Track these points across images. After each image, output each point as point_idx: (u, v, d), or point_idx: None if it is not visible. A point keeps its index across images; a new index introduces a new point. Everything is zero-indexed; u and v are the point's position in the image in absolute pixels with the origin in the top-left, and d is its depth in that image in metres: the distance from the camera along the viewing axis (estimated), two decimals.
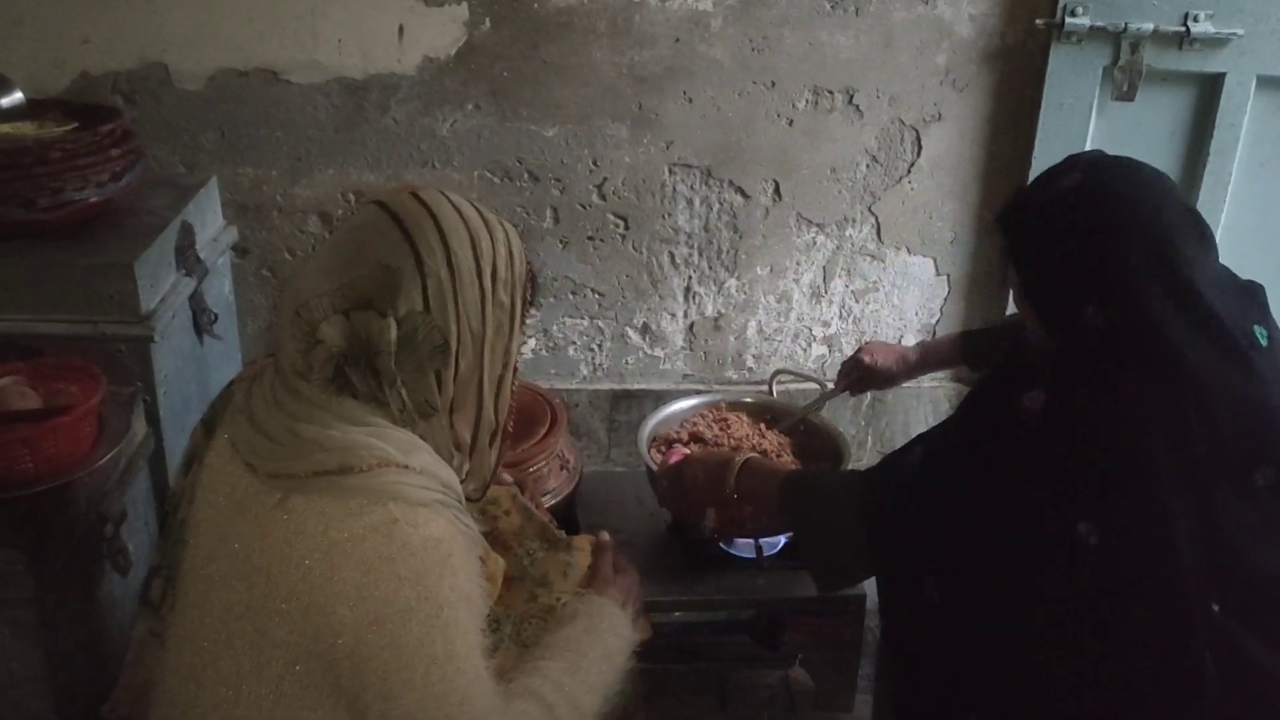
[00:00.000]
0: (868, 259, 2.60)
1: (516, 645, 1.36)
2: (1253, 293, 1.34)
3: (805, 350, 2.70)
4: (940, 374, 2.37)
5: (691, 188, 2.48)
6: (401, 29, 2.27)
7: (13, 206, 1.74)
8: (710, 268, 2.57)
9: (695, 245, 2.54)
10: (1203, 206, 2.38)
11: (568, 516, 1.97)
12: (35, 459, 1.47)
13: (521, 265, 1.25)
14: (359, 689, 1.08)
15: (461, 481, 1.25)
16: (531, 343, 2.60)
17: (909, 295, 2.65)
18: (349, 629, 1.06)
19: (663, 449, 2.03)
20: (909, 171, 2.51)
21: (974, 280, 2.65)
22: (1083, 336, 1.25)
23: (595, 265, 2.53)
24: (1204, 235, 1.28)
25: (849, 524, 1.42)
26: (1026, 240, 1.33)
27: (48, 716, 1.52)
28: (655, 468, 1.88)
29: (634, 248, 2.52)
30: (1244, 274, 1.35)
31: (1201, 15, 2.30)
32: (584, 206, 2.47)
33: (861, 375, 2.06)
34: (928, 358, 2.04)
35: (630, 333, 2.62)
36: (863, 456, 2.76)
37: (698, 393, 2.24)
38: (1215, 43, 2.32)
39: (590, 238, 2.50)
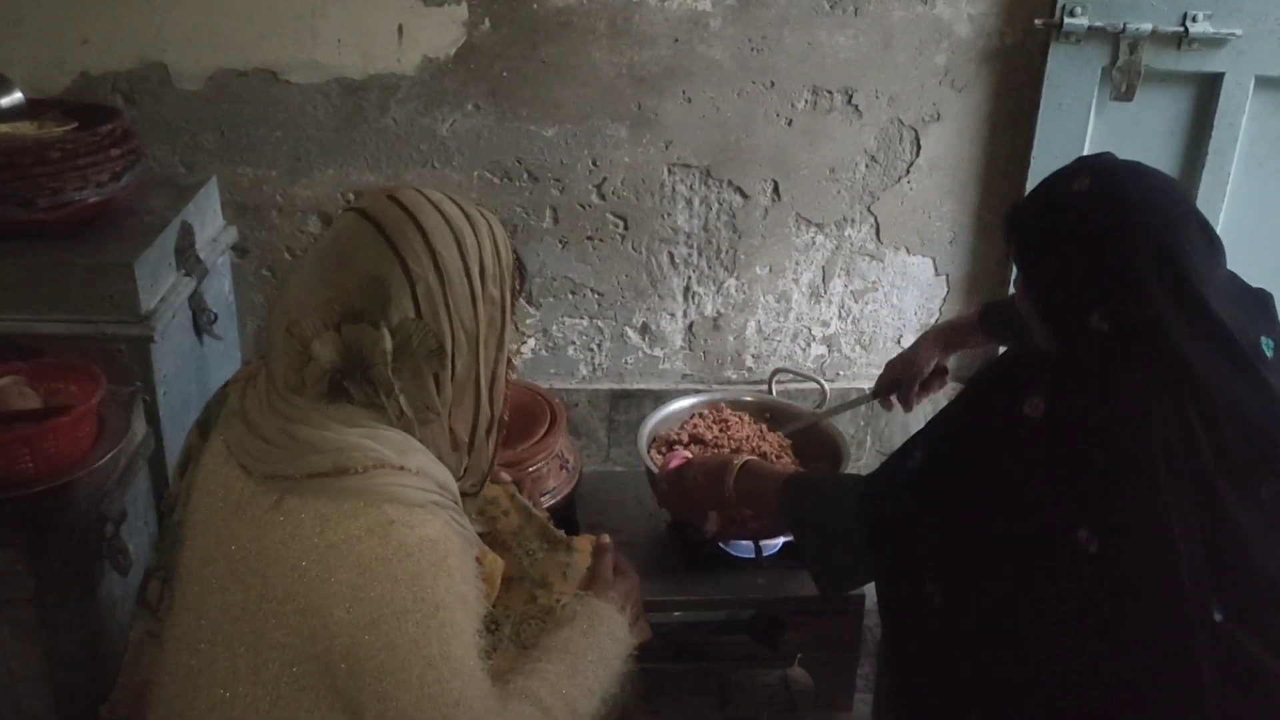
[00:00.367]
0: (867, 259, 2.60)
1: (515, 646, 1.36)
2: (1262, 301, 1.33)
3: (804, 350, 2.70)
4: None
5: (691, 188, 2.48)
6: (401, 29, 2.28)
7: (12, 206, 1.74)
8: (709, 268, 2.57)
9: (694, 245, 2.54)
10: (1201, 206, 2.37)
11: (567, 516, 1.97)
12: (35, 459, 1.47)
13: (507, 255, 1.24)
14: (355, 690, 1.08)
15: (460, 478, 1.26)
16: (531, 342, 2.60)
17: (908, 295, 2.66)
18: (345, 630, 1.06)
19: (663, 450, 2.03)
20: (908, 171, 2.52)
21: (973, 280, 2.65)
22: (1086, 342, 1.24)
23: (595, 265, 2.53)
24: (1213, 243, 1.27)
25: (850, 526, 1.41)
26: (1033, 243, 1.33)
27: (47, 716, 1.52)
28: (655, 469, 1.88)
29: (633, 248, 2.52)
30: (1242, 273, 1.35)
31: (1200, 15, 2.30)
32: (583, 206, 2.47)
33: (897, 380, 2.02)
34: (951, 339, 1.98)
35: (630, 332, 2.62)
36: (862, 456, 2.76)
37: (697, 392, 2.24)
38: (1213, 43, 2.32)
39: (590, 238, 2.50)
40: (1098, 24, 2.31)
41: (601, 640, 1.32)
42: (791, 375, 2.42)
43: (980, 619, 1.30)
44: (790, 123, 2.44)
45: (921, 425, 1.49)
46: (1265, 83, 2.37)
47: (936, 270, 2.63)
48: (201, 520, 1.17)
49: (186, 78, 2.27)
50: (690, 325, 2.63)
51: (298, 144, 2.35)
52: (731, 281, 2.59)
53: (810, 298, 2.63)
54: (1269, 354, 1.27)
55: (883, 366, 2.71)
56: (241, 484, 1.13)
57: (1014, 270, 1.37)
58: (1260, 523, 1.22)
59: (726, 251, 2.55)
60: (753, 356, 2.69)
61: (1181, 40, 2.31)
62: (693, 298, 2.60)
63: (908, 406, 2.06)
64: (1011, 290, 2.56)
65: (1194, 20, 2.30)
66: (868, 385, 2.66)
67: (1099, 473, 1.21)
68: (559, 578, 1.45)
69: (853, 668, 1.97)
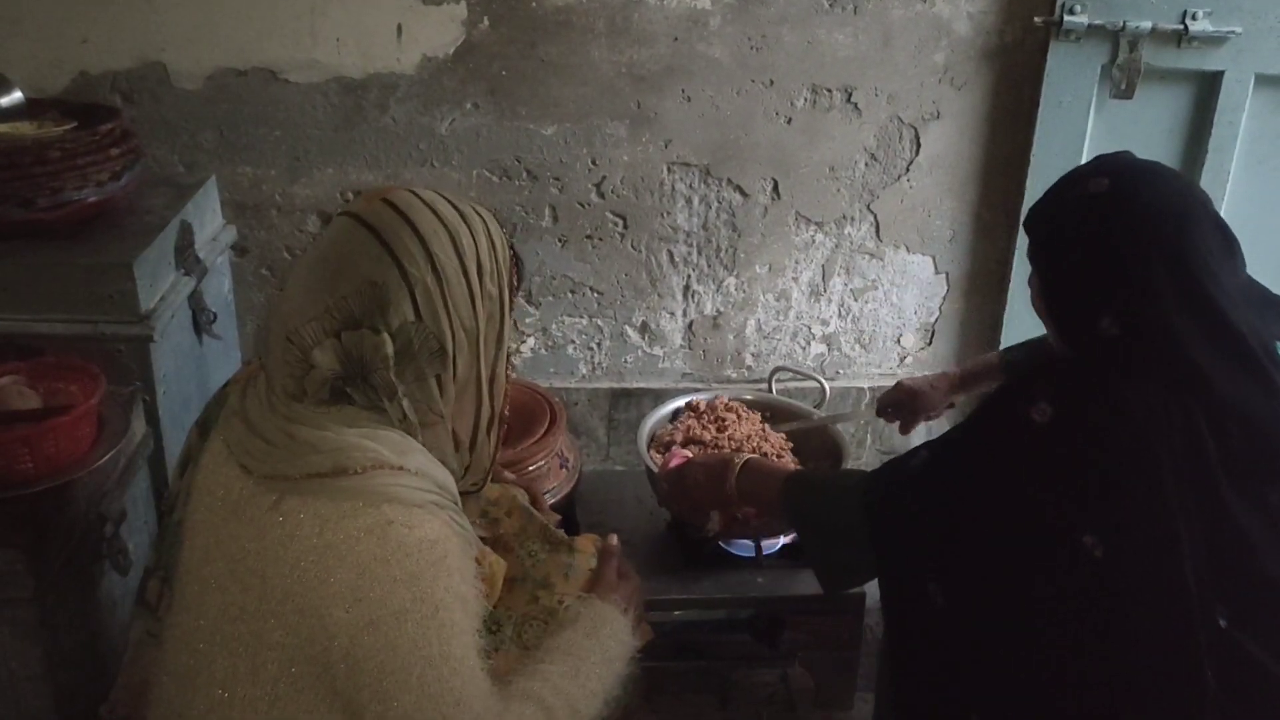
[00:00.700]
0: (866, 257, 2.60)
1: (517, 647, 1.36)
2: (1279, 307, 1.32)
3: (804, 348, 2.70)
4: None
5: (690, 186, 2.48)
6: (400, 28, 2.28)
7: (12, 206, 1.74)
8: (709, 266, 2.57)
9: (694, 244, 2.54)
10: None
11: (567, 515, 1.97)
12: (35, 458, 1.47)
13: (504, 250, 1.24)
14: (355, 690, 1.08)
15: (462, 477, 1.25)
16: (530, 341, 2.60)
17: (908, 293, 2.66)
18: (344, 631, 1.06)
19: (662, 450, 2.03)
20: (907, 170, 2.52)
21: (972, 278, 2.65)
22: (1096, 345, 1.24)
23: (594, 264, 2.53)
24: (1231, 247, 1.26)
25: (852, 523, 1.41)
26: (1047, 244, 1.32)
27: (47, 715, 1.53)
28: (655, 468, 1.88)
29: (633, 246, 2.52)
30: None
31: (1200, 13, 2.30)
32: (583, 205, 2.47)
33: (904, 400, 2.03)
34: (969, 377, 2.00)
35: (629, 331, 2.62)
36: (862, 455, 2.76)
37: (697, 391, 2.24)
38: (1213, 41, 2.32)
39: (589, 236, 2.50)
40: (1097, 22, 2.31)
41: (605, 642, 1.32)
42: (791, 374, 2.42)
43: (982, 619, 1.30)
44: (790, 121, 2.44)
45: (922, 433, 1.49)
46: (1265, 81, 2.37)
47: (936, 268, 2.63)
48: (201, 520, 1.17)
49: (186, 77, 2.27)
50: (690, 324, 2.63)
51: (297, 143, 2.35)
52: (731, 280, 2.59)
53: (810, 296, 2.63)
54: None
55: (882, 365, 2.73)
56: (241, 484, 1.13)
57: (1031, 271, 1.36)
58: (1268, 528, 1.22)
59: (726, 250, 2.55)
60: (752, 355, 2.69)
61: (1181, 38, 2.31)
62: (692, 296, 2.60)
63: (904, 431, 2.08)
64: (1007, 289, 2.58)
65: (1194, 18, 2.30)
66: (867, 384, 2.69)
67: (1105, 478, 1.21)
68: (560, 578, 1.45)
69: (853, 667, 1.97)
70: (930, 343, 2.72)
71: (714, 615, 1.91)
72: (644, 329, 2.62)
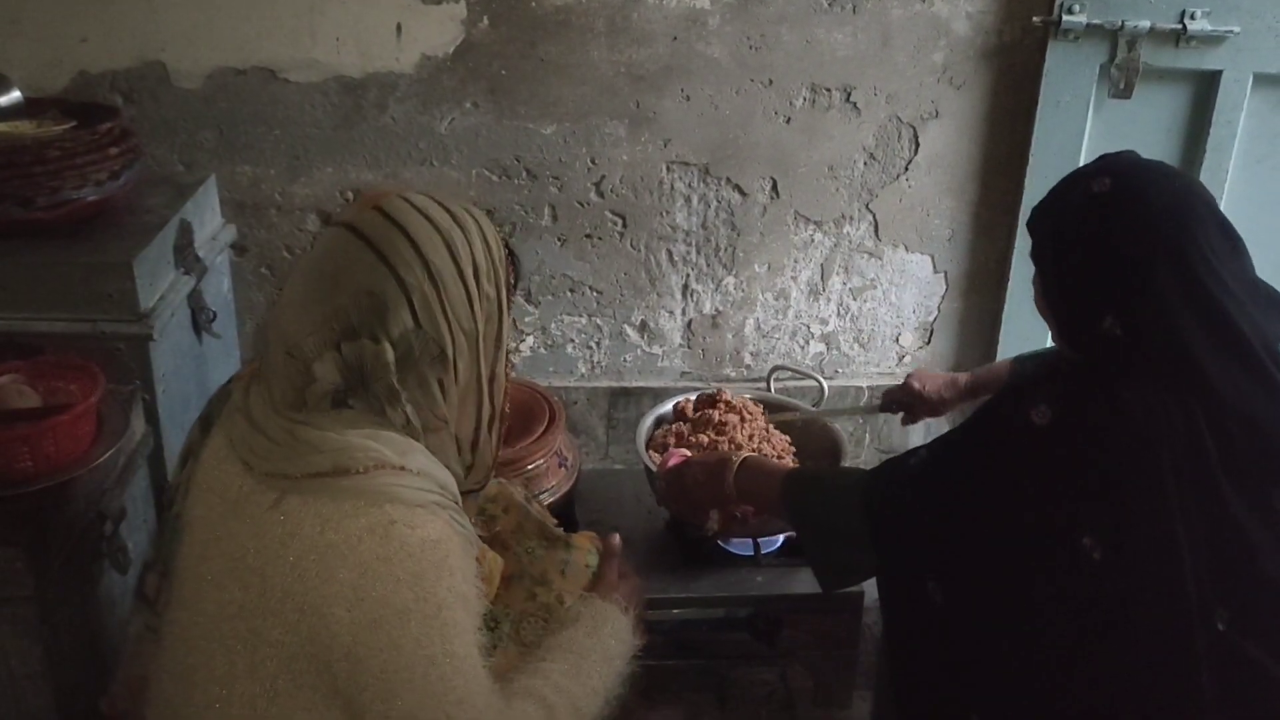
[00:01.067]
0: (865, 256, 2.61)
1: (515, 644, 1.36)
2: None
3: (803, 348, 2.70)
4: None
5: (689, 185, 2.48)
6: (399, 27, 2.28)
7: (11, 205, 1.74)
8: (708, 265, 2.57)
9: (693, 243, 2.54)
10: None
11: (566, 514, 1.98)
12: (34, 457, 1.48)
13: (499, 250, 1.24)
14: (357, 690, 1.08)
15: (467, 477, 1.26)
16: (530, 340, 2.60)
17: (906, 293, 2.66)
18: (346, 630, 1.06)
19: (660, 449, 2.03)
20: (906, 169, 2.52)
21: (971, 278, 2.65)
22: (1098, 346, 1.24)
23: (593, 263, 2.53)
24: (1235, 246, 1.26)
25: (852, 522, 1.41)
26: (1050, 244, 1.32)
27: (47, 714, 1.53)
28: (654, 467, 1.89)
29: (632, 245, 2.52)
30: None
31: (1198, 13, 2.30)
32: (582, 204, 2.47)
33: (910, 401, 2.04)
34: (978, 385, 2.00)
35: (628, 330, 2.62)
36: (860, 454, 2.76)
37: (696, 390, 2.24)
38: (1212, 40, 2.32)
39: (588, 235, 2.50)
40: (1096, 21, 2.31)
41: (606, 641, 1.32)
42: (790, 373, 2.43)
43: (980, 618, 1.30)
44: (789, 120, 2.44)
45: (921, 432, 1.49)
46: (1263, 80, 2.37)
47: (935, 268, 2.63)
48: (200, 516, 1.17)
49: (185, 76, 2.27)
50: (689, 323, 2.63)
51: (296, 142, 2.35)
52: (730, 279, 2.59)
53: (809, 295, 2.64)
54: None
55: (881, 364, 2.73)
56: (241, 481, 1.13)
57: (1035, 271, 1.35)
58: (1269, 529, 1.21)
59: (725, 249, 2.56)
60: (751, 354, 2.69)
61: (1180, 38, 2.31)
62: (691, 295, 2.60)
63: (905, 424, 2.10)
64: (1006, 288, 2.58)
65: (1192, 18, 2.30)
66: (866, 383, 2.69)
67: (1104, 480, 1.21)
68: (557, 575, 1.45)
69: (851, 665, 1.97)
70: (929, 342, 2.72)
71: (712, 614, 1.91)
72: (643, 328, 2.62)
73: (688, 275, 2.58)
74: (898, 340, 2.71)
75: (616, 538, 1.50)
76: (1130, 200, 1.25)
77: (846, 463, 2.00)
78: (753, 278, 2.60)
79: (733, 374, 2.70)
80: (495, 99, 2.35)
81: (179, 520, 1.23)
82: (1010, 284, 2.57)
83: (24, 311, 1.75)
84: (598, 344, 2.63)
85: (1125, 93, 2.36)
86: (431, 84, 2.32)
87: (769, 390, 2.26)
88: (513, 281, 1.28)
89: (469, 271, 1.18)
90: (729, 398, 2.09)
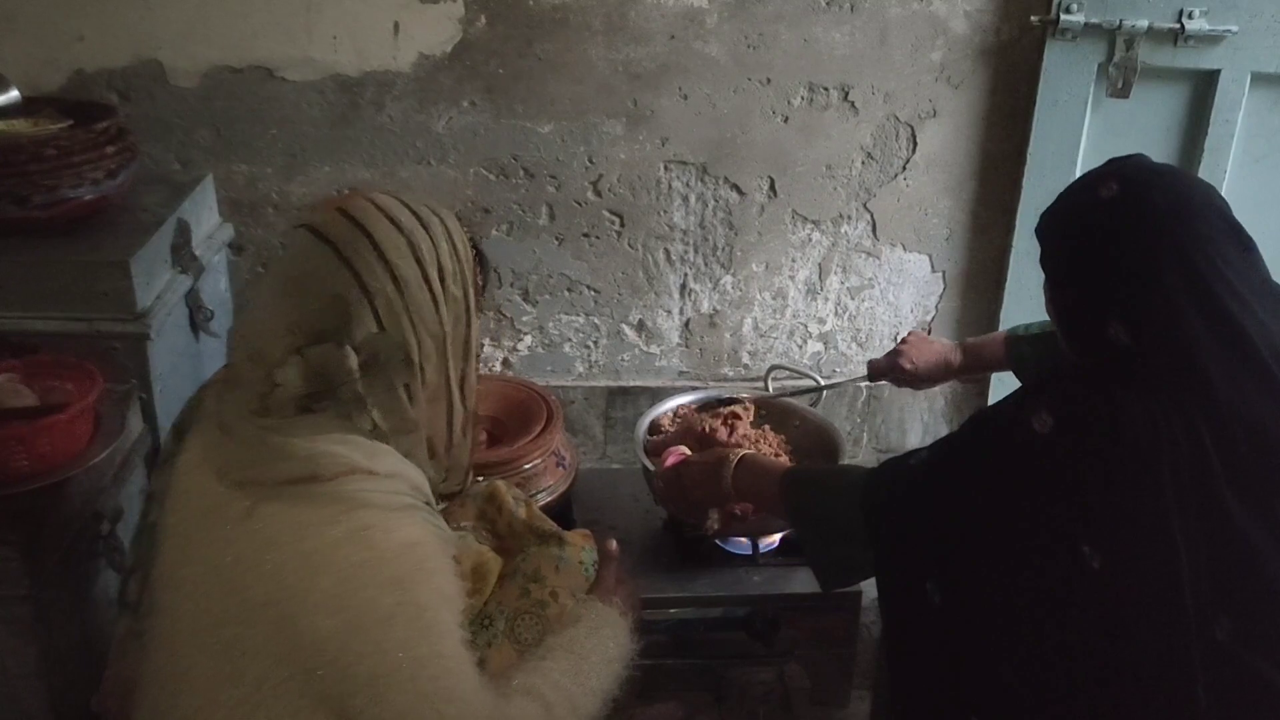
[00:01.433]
0: (863, 256, 2.60)
1: (510, 642, 1.36)
2: None
3: (801, 347, 2.70)
4: None
5: (687, 185, 2.48)
6: (396, 26, 2.27)
7: (7, 204, 1.74)
8: (706, 265, 2.57)
9: (691, 242, 2.54)
10: None
11: (563, 514, 1.98)
12: (30, 456, 1.48)
13: (466, 250, 1.23)
14: (347, 695, 1.07)
15: (444, 481, 1.25)
16: (527, 339, 2.60)
17: (904, 292, 2.66)
18: (331, 638, 1.05)
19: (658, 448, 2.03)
20: (904, 168, 2.52)
21: (969, 277, 2.65)
22: (1104, 353, 1.23)
23: (591, 262, 2.53)
24: (1247, 250, 1.25)
25: (851, 520, 1.41)
26: (1057, 250, 1.31)
27: (42, 713, 1.53)
28: (652, 466, 1.88)
29: (629, 245, 2.52)
30: None
31: (1196, 12, 2.30)
32: (579, 203, 2.47)
33: (897, 376, 2.03)
34: (971, 361, 1.99)
35: (626, 330, 2.62)
36: (858, 453, 2.76)
37: (693, 389, 2.24)
38: (1210, 39, 2.33)
39: (586, 235, 2.50)
40: (1094, 20, 2.31)
41: (605, 643, 1.32)
42: (788, 372, 2.43)
43: (979, 621, 1.29)
44: (786, 120, 2.44)
45: (917, 421, 1.49)
46: (1261, 79, 2.37)
47: (933, 267, 2.63)
48: (175, 524, 1.17)
49: (182, 75, 2.27)
50: (687, 322, 2.63)
51: (293, 141, 2.35)
52: (728, 278, 2.59)
53: (807, 295, 2.63)
54: None
55: None
56: (214, 489, 1.12)
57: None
58: (1275, 538, 1.21)
59: (723, 248, 2.55)
60: (749, 353, 2.69)
61: (1178, 37, 2.32)
62: (689, 295, 2.60)
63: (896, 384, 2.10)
64: (1003, 287, 2.58)
65: (1190, 17, 2.30)
66: (864, 382, 2.68)
67: (1104, 491, 1.19)
68: (551, 571, 1.45)
69: (849, 665, 1.97)
70: None
71: (710, 613, 1.91)
72: (641, 327, 2.62)
73: (685, 274, 2.58)
74: (895, 339, 2.70)
75: (614, 543, 1.50)
76: (1137, 204, 1.24)
77: (844, 460, 1.99)
78: (750, 277, 2.60)
79: (730, 373, 2.70)
80: (492, 98, 2.35)
81: (155, 529, 1.22)
82: (1008, 283, 2.57)
83: (20, 310, 1.75)
84: (595, 343, 2.63)
85: (1123, 92, 2.36)
86: (429, 83, 2.32)
87: (766, 390, 2.26)
88: (481, 283, 1.27)
89: (434, 273, 1.17)
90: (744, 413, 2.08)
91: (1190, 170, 2.43)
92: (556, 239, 2.50)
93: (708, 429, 2.01)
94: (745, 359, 2.69)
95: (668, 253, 2.54)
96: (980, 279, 2.65)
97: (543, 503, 1.88)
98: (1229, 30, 2.31)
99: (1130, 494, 1.19)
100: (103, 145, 1.83)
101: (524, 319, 2.57)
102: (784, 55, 2.38)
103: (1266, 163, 2.47)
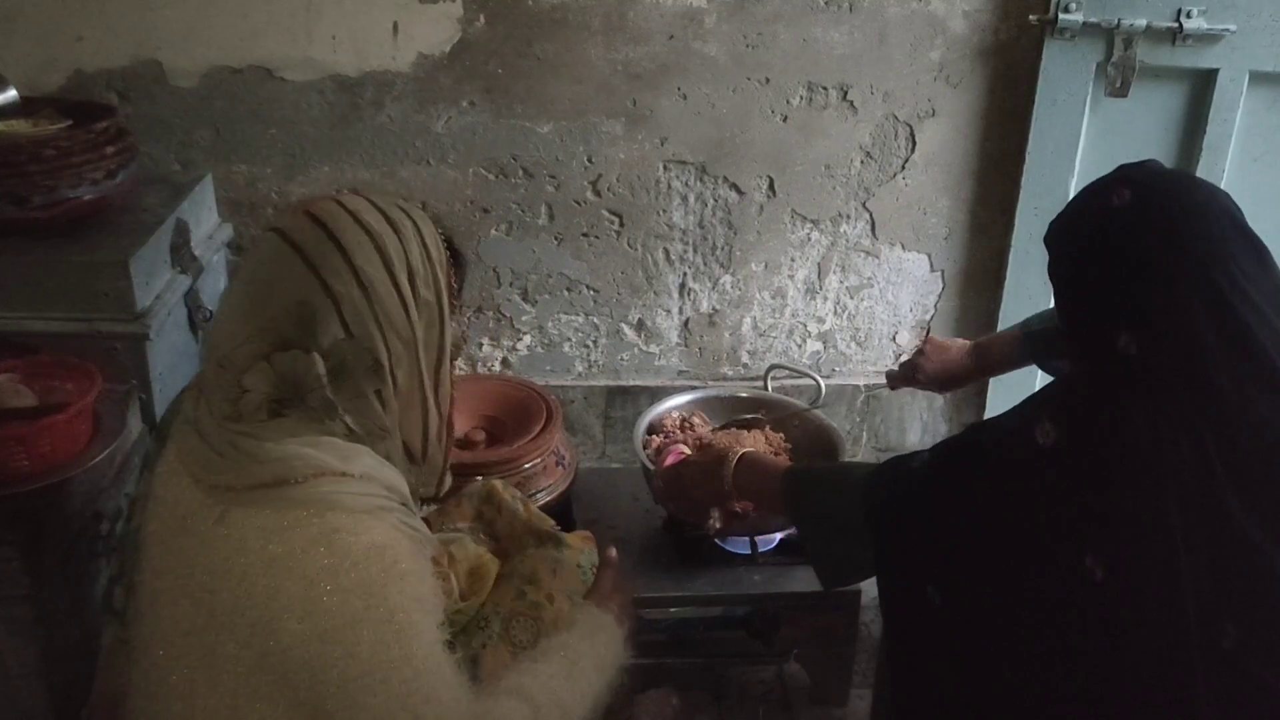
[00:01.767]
0: (862, 255, 2.61)
1: (506, 643, 1.36)
2: None
3: (800, 346, 2.70)
4: None
5: (686, 184, 2.48)
6: (396, 26, 2.27)
7: (7, 204, 1.74)
8: (705, 264, 2.57)
9: (690, 242, 2.54)
10: None
11: (563, 513, 1.98)
12: (30, 456, 1.48)
13: (439, 252, 1.20)
14: (320, 699, 1.06)
15: (422, 486, 1.25)
16: (526, 339, 2.60)
17: (903, 291, 2.66)
18: (300, 643, 1.05)
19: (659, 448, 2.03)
20: (903, 167, 2.52)
21: (968, 276, 2.65)
22: (1112, 364, 1.21)
23: (590, 262, 2.53)
24: (1261, 257, 1.23)
25: (853, 518, 1.40)
26: (1066, 259, 1.29)
27: (42, 713, 1.53)
28: (651, 465, 1.89)
29: (629, 244, 2.52)
30: None
31: (1194, 11, 2.30)
32: (579, 203, 2.47)
33: (918, 380, 2.03)
34: (986, 363, 1.97)
35: (625, 329, 2.62)
36: (858, 453, 2.76)
37: (693, 389, 2.24)
38: (1208, 39, 2.33)
39: (585, 234, 2.50)
40: (1092, 20, 2.31)
41: (599, 648, 1.32)
42: (787, 371, 2.43)
43: (979, 624, 1.29)
44: (785, 119, 2.44)
45: (916, 421, 1.48)
46: (1259, 78, 2.37)
47: (932, 266, 2.63)
48: (154, 531, 1.16)
49: (181, 75, 2.27)
50: (686, 322, 2.63)
51: (293, 141, 2.35)
52: (727, 278, 2.59)
53: (806, 294, 2.64)
54: None
55: (878, 363, 2.73)
56: (190, 494, 1.11)
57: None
58: None
59: (722, 248, 2.56)
60: (748, 353, 2.69)
61: (1176, 36, 2.32)
62: (688, 294, 2.60)
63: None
64: (1002, 287, 2.58)
65: (1188, 16, 2.30)
66: (864, 382, 2.69)
67: (1108, 503, 1.18)
68: (548, 573, 1.45)
69: (848, 664, 1.98)
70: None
71: (710, 612, 1.91)
72: (640, 327, 2.62)
73: (684, 274, 2.58)
74: (894, 339, 2.71)
75: (614, 550, 1.49)
76: (1150, 214, 1.22)
77: (844, 459, 1.99)
78: (749, 276, 2.60)
79: (729, 373, 2.70)
80: (492, 98, 2.35)
81: (137, 535, 1.21)
82: (1007, 282, 2.57)
83: (20, 310, 1.75)
84: (595, 343, 2.63)
85: (1122, 91, 2.36)
86: (428, 83, 2.32)
87: (765, 389, 2.26)
88: (458, 285, 1.25)
89: (403, 277, 1.15)
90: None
91: (1190, 170, 2.43)
92: (556, 239, 2.50)
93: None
94: (744, 358, 2.69)
95: (667, 252, 2.55)
96: (979, 278, 2.65)
97: (542, 502, 1.88)
98: (1227, 29, 2.31)
99: (1134, 507, 1.18)
100: (102, 145, 1.83)
101: (523, 319, 2.57)
102: (783, 55, 2.38)
103: (1265, 161, 2.47)
